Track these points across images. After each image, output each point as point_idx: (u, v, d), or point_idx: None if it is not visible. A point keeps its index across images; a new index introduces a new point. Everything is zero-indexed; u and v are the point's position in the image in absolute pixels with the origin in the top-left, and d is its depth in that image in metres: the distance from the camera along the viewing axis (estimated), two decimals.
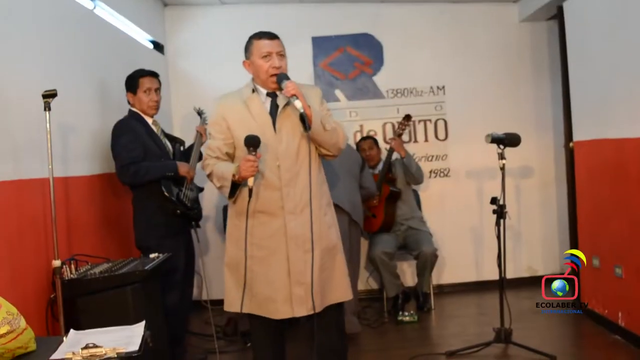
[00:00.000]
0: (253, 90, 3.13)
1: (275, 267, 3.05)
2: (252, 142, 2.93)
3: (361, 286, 5.81)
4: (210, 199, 5.81)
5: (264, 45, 3.07)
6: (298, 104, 2.94)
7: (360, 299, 5.64)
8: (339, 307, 3.28)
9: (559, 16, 5.25)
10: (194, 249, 4.37)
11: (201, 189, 4.45)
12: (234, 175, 2.95)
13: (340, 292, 3.23)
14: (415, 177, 5.50)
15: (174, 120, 5.95)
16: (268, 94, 3.14)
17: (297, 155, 3.08)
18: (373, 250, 5.34)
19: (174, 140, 4.36)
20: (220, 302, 5.62)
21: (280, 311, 3.07)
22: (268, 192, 3.04)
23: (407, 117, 5.43)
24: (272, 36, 3.11)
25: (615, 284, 4.52)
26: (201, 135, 4.48)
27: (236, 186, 3.03)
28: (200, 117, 4.70)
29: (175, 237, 4.02)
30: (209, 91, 5.72)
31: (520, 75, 6.12)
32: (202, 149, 4.65)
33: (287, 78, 3.04)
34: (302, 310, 3.05)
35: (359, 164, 5.04)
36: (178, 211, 3.97)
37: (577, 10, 4.95)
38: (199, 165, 4.65)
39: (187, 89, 5.93)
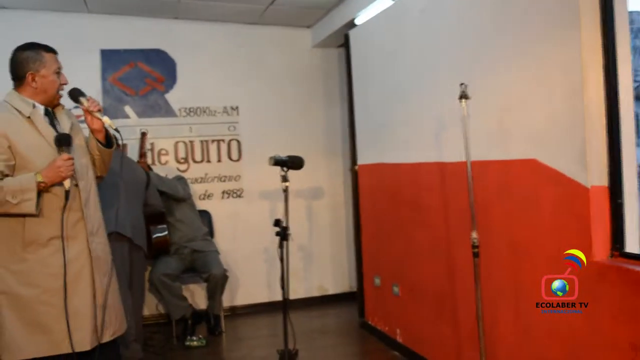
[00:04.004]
0: (34, 106, 2.85)
1: (81, 294, 2.79)
2: (66, 140, 2.74)
3: (149, 311, 5.58)
4: None
5: (55, 59, 2.89)
6: (107, 119, 2.85)
7: (148, 324, 5.41)
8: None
9: (345, 44, 5.46)
10: None
11: None
12: (39, 184, 2.66)
13: (124, 322, 3.09)
14: (168, 193, 5.26)
15: None
16: (45, 112, 2.88)
17: (87, 175, 2.92)
18: (153, 273, 5.15)
19: None
20: None
21: (88, 341, 2.79)
22: (69, 214, 2.77)
23: (143, 135, 5.28)
24: (56, 51, 2.93)
25: (394, 302, 4.74)
26: None
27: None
28: None
29: None
30: None
31: (313, 99, 6.29)
32: None
33: (83, 93, 2.90)
34: (107, 335, 2.87)
35: (144, 181, 4.83)
36: None
37: (360, 40, 5.19)
38: None
39: None
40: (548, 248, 2.98)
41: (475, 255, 3.11)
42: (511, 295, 3.27)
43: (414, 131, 4.30)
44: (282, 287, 4.28)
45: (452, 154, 3.76)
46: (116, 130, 2.89)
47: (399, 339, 4.66)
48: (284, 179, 4.22)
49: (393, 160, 4.65)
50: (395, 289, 4.67)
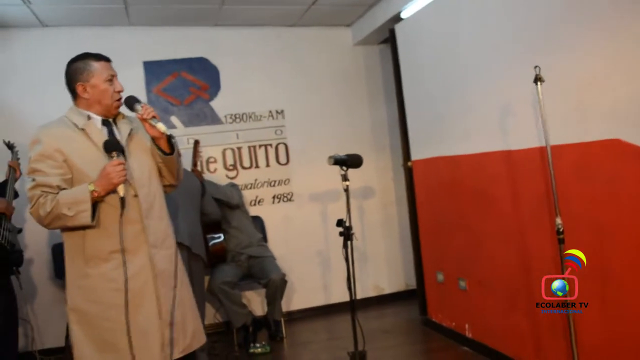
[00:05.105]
0: (89, 117, 2.77)
1: (146, 311, 2.70)
2: (113, 146, 2.64)
3: (207, 321, 5.54)
4: (36, 238, 5.19)
5: (107, 67, 2.78)
6: (162, 126, 2.70)
7: (209, 333, 5.35)
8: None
9: (391, 39, 5.38)
10: (14, 295, 3.92)
11: (19, 230, 3.98)
12: (92, 193, 2.58)
13: (201, 335, 2.98)
14: (224, 201, 5.27)
15: None
16: (103, 122, 2.79)
17: (150, 183, 2.81)
18: (212, 281, 5.11)
19: None
20: (53, 351, 5.18)
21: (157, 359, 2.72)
22: (127, 226, 2.67)
23: (196, 143, 5.20)
24: (108, 59, 2.82)
25: (460, 297, 4.64)
26: (15, 171, 4.08)
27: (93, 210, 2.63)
28: (12, 152, 4.25)
29: None
30: (29, 121, 5.19)
31: (357, 97, 6.23)
32: (17, 185, 4.22)
33: (139, 100, 2.77)
34: (175, 352, 2.75)
35: (199, 189, 4.80)
36: None
37: (408, 33, 5.10)
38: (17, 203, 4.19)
39: (2, 118, 5.33)
40: (637, 230, 2.87)
41: (561, 241, 3.00)
42: (597, 281, 3.15)
43: (474, 121, 4.20)
44: (349, 288, 4.19)
45: (521, 140, 3.66)
46: (170, 136, 2.78)
47: (468, 334, 4.56)
48: (344, 178, 4.15)
49: (451, 153, 4.55)
50: (462, 284, 4.57)
